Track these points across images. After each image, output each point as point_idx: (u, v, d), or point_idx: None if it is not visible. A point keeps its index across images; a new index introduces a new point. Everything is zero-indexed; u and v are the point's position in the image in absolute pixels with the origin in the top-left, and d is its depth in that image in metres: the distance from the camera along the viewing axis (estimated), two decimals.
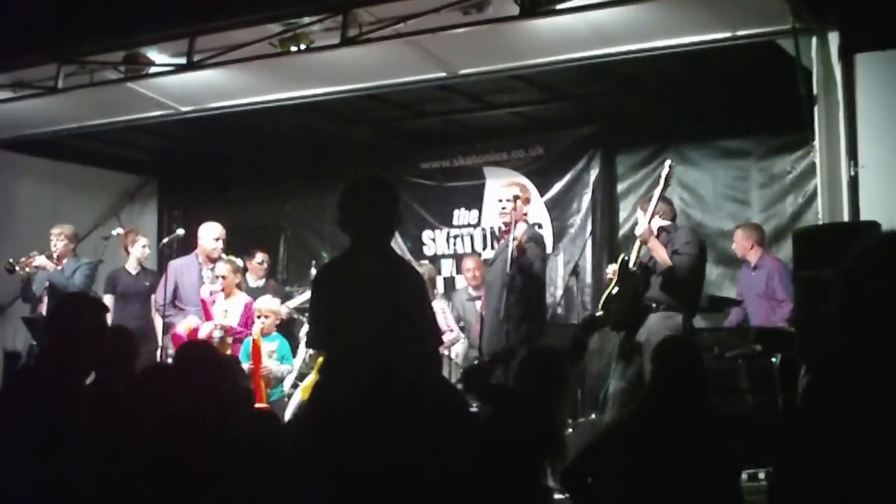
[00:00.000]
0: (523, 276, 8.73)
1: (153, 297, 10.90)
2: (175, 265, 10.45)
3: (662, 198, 9.07)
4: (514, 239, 8.76)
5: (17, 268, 10.89)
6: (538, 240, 9.16)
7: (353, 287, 5.19)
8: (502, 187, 9.44)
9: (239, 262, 10.56)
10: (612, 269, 8.98)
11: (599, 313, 8.83)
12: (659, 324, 8.39)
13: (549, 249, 10.20)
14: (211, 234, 10.39)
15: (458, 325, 10.85)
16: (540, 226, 11.61)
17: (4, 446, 4.85)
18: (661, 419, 5.38)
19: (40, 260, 10.87)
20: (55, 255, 10.93)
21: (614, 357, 8.98)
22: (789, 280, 9.65)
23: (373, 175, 5.60)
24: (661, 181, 8.58)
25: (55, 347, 5.20)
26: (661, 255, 8.47)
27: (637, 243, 8.59)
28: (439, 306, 10.33)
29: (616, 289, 8.61)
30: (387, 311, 5.06)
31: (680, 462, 5.19)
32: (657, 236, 8.72)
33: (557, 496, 7.76)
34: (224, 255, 10.33)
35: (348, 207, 5.33)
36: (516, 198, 8.97)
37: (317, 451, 5.01)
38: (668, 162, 8.76)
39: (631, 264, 8.61)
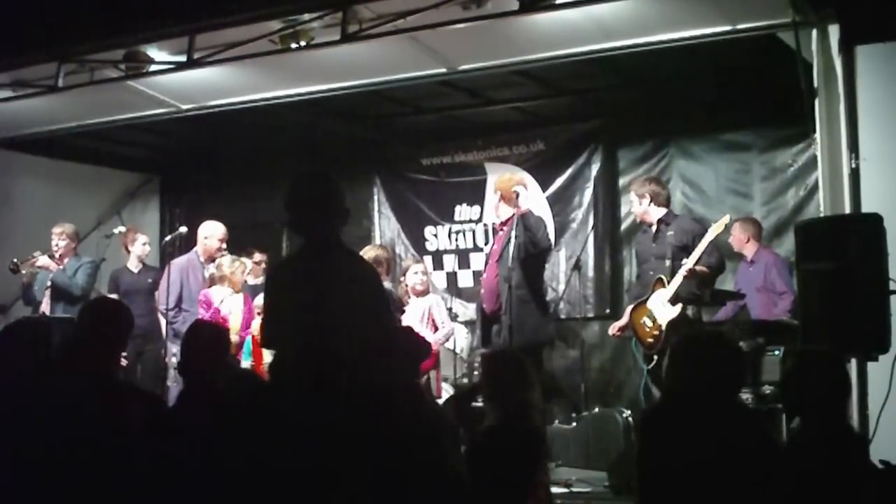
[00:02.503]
0: (527, 242, 8.89)
1: (156, 294, 10.85)
2: (179, 265, 10.34)
3: (655, 180, 9.32)
4: (515, 237, 8.82)
5: (21, 268, 10.89)
6: (537, 216, 9.42)
7: (305, 286, 5.20)
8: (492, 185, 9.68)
9: (248, 262, 10.55)
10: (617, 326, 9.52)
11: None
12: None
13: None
14: (217, 234, 10.34)
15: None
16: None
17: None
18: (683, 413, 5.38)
19: (43, 260, 10.86)
20: (57, 255, 10.92)
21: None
22: (787, 272, 9.75)
23: (314, 172, 5.62)
24: (717, 231, 8.78)
25: (82, 344, 5.28)
26: (704, 270, 8.81)
27: (678, 278, 8.70)
28: (434, 300, 10.34)
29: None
30: (339, 309, 5.06)
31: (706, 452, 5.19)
32: (657, 230, 8.93)
33: (555, 490, 7.82)
34: (228, 255, 10.30)
35: (295, 208, 5.36)
36: (516, 194, 9.05)
37: (266, 446, 5.01)
38: (726, 216, 9.02)
39: (665, 301, 8.80)
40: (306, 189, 5.44)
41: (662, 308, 8.75)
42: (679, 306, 8.66)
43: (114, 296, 10.91)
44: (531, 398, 5.92)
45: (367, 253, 10.20)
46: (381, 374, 5.17)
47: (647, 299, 8.96)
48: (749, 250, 10.24)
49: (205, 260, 10.30)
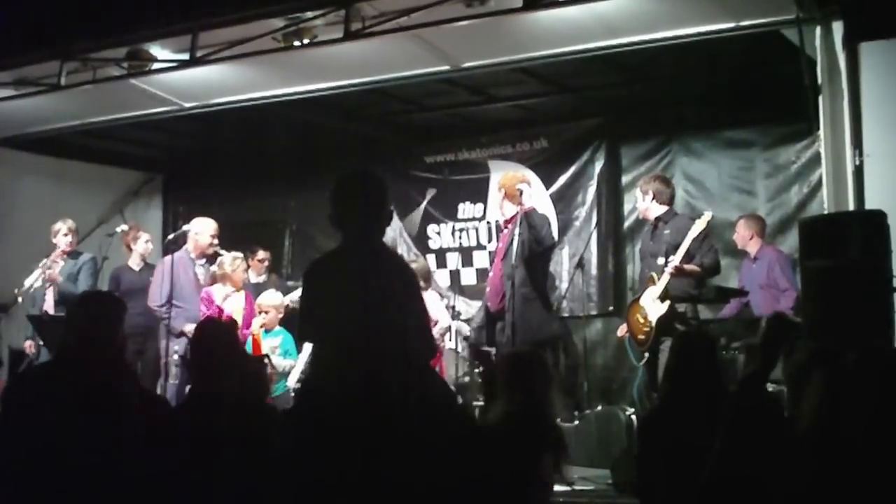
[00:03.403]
0: (531, 240, 8.90)
1: (149, 293, 10.73)
2: (168, 262, 10.35)
3: (661, 178, 9.31)
4: (519, 235, 8.81)
5: (21, 295, 10.90)
6: (541, 214, 9.39)
7: (344, 282, 5.18)
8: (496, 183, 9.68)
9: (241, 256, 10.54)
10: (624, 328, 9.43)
11: None
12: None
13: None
14: (208, 230, 10.33)
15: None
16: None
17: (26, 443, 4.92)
18: (682, 412, 5.35)
19: (49, 273, 10.79)
20: (63, 251, 10.88)
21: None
22: (790, 269, 9.75)
23: (363, 170, 5.56)
24: (699, 228, 8.71)
25: (75, 343, 5.27)
26: (694, 269, 8.75)
27: (665, 277, 8.69)
28: (429, 297, 10.34)
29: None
30: (377, 306, 5.05)
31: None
32: (655, 227, 8.93)
33: (558, 488, 7.79)
34: (222, 251, 10.32)
35: (339, 203, 5.30)
36: (520, 192, 9.04)
37: (306, 443, 5.02)
38: (707, 213, 8.96)
39: (655, 297, 8.78)
40: (353, 187, 5.37)
41: (652, 305, 8.76)
42: (667, 303, 8.66)
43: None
44: (551, 394, 5.93)
45: None
46: (423, 373, 5.22)
47: (640, 297, 8.98)
48: (752, 247, 10.23)
49: (196, 256, 10.29)
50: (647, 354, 8.82)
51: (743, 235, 10.29)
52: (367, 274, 5.15)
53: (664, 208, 9.13)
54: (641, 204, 9.31)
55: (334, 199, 5.30)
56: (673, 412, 5.49)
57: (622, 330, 9.58)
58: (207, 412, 5.27)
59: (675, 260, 8.63)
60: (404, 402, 4.93)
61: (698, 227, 8.70)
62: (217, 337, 5.73)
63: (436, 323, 10.16)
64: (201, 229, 10.35)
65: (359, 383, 4.90)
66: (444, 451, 5.03)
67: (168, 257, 10.30)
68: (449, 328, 10.43)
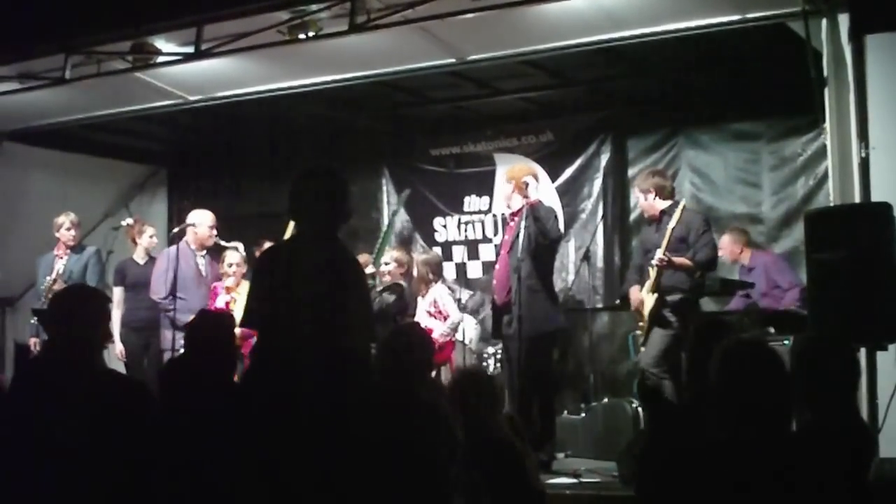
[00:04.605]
0: (537, 233, 8.91)
1: (151, 286, 10.70)
2: (169, 255, 10.38)
3: (659, 172, 9.30)
4: (525, 227, 8.80)
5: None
6: (547, 207, 9.34)
7: (292, 273, 5.33)
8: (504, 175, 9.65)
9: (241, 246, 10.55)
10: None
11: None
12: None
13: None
14: (206, 221, 10.38)
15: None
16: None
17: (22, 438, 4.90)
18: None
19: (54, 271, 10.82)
20: (67, 246, 10.89)
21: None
22: (788, 267, 9.83)
23: (324, 166, 5.72)
24: (676, 218, 8.68)
25: (60, 337, 5.25)
26: (684, 262, 8.67)
27: (654, 271, 8.66)
28: (438, 291, 10.33)
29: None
30: (323, 299, 5.18)
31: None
32: (659, 220, 8.89)
33: (553, 480, 7.79)
34: (222, 242, 10.37)
35: (297, 197, 5.48)
36: (526, 185, 9.02)
37: (250, 427, 5.06)
38: (682, 201, 9.01)
39: (648, 290, 8.78)
40: (311, 183, 5.53)
41: (647, 297, 8.76)
42: (656, 296, 8.65)
43: (119, 288, 10.93)
44: (495, 420, 5.83)
45: (389, 254, 10.28)
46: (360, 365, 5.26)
47: (641, 290, 8.98)
48: (745, 258, 10.30)
49: (197, 248, 10.32)
50: (643, 348, 8.82)
51: (732, 251, 10.31)
52: (314, 268, 5.30)
53: (668, 202, 9.09)
54: (645, 203, 9.21)
55: (291, 192, 5.49)
56: (694, 409, 5.46)
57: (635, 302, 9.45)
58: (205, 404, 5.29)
59: (659, 252, 8.60)
60: (337, 391, 5.04)
61: (675, 217, 8.68)
62: (211, 329, 5.76)
63: (446, 317, 10.16)
64: (200, 221, 10.40)
65: (294, 373, 4.99)
66: (377, 439, 5.07)
67: (169, 249, 10.38)
68: (458, 322, 10.42)
